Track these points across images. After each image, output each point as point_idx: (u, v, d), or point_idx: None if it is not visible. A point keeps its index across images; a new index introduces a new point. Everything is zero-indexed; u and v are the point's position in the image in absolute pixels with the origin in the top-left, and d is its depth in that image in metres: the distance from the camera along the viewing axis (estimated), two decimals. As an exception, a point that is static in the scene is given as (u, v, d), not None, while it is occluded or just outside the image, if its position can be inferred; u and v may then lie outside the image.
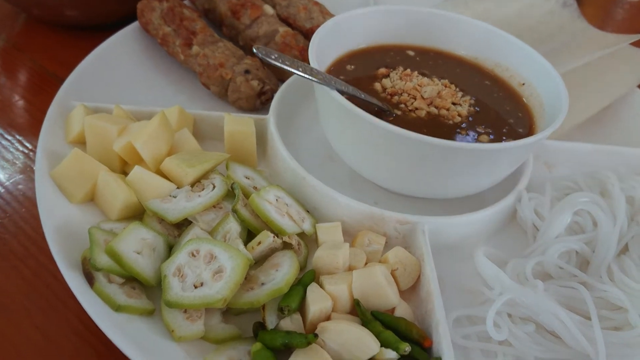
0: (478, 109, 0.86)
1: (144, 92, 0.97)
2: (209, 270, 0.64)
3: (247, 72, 0.94)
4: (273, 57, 0.70)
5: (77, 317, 0.71)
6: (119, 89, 0.95)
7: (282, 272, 0.67)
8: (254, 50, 0.70)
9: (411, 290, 0.74)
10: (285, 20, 1.08)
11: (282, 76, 1.00)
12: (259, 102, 0.96)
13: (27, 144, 0.94)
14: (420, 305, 0.71)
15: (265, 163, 0.89)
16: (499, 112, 0.87)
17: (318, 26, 1.05)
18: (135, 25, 1.05)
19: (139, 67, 1.03)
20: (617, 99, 1.10)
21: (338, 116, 0.78)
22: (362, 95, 0.80)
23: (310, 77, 0.72)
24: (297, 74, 0.72)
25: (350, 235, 0.78)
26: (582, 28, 1.19)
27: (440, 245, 0.78)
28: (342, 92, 0.77)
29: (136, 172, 0.75)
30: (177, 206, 0.73)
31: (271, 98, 0.95)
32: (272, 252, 0.72)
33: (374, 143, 0.75)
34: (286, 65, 0.71)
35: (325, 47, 0.87)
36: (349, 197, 0.79)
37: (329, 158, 0.92)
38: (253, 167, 0.85)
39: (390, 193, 0.87)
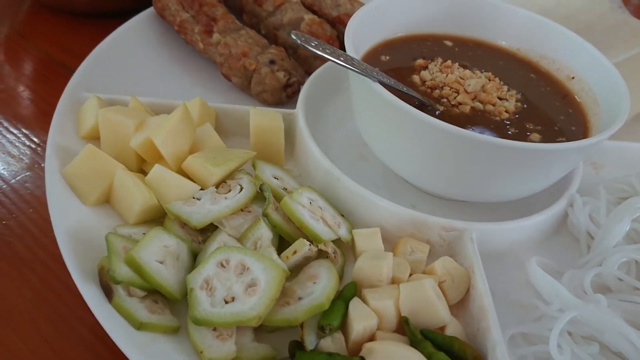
0: (525, 105, 0.79)
1: (160, 84, 0.90)
2: (241, 283, 0.58)
3: (272, 62, 0.87)
4: (313, 44, 0.62)
5: (90, 332, 0.64)
6: (133, 80, 0.88)
7: (321, 285, 0.60)
8: (292, 36, 0.62)
9: (459, 305, 0.67)
10: (310, 8, 1.01)
11: (309, 68, 0.93)
12: (285, 95, 0.89)
13: (35, 139, 0.87)
14: (471, 322, 0.64)
15: (293, 162, 0.82)
16: (548, 108, 0.80)
17: (345, 14, 0.98)
18: (150, 11, 0.98)
19: (154, 56, 0.96)
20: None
21: (378, 110, 0.70)
22: (404, 89, 0.73)
23: (351, 68, 0.65)
24: (338, 64, 0.65)
25: (389, 243, 0.72)
26: (623, 19, 1.12)
27: (487, 253, 0.71)
28: (382, 85, 0.70)
29: (156, 171, 0.68)
30: (202, 209, 0.66)
31: (298, 91, 0.88)
32: (306, 261, 0.65)
33: (417, 139, 0.68)
34: (327, 53, 0.64)
35: (359, 35, 0.80)
36: (383, 197, 0.72)
37: (361, 157, 0.85)
38: (280, 166, 0.78)
39: (428, 196, 0.80)
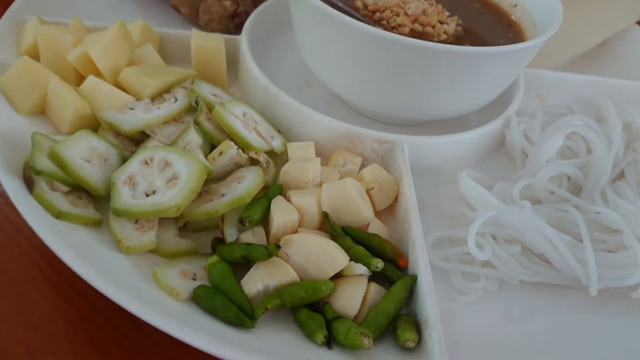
0: (466, 29, 0.80)
1: (107, 14, 0.90)
2: (162, 177, 0.58)
3: (219, -9, 0.87)
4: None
5: (25, 239, 0.65)
6: (79, 8, 0.88)
7: (245, 184, 0.61)
8: None
9: (388, 212, 0.68)
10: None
11: (261, 2, 0.93)
12: (233, 25, 0.89)
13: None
14: (397, 226, 0.65)
15: (236, 86, 0.83)
16: (488, 32, 0.81)
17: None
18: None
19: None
20: (615, 35, 1.04)
21: (312, 23, 0.71)
22: (340, 4, 0.73)
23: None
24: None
25: (325, 158, 0.72)
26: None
27: (422, 167, 0.73)
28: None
29: (90, 81, 0.68)
30: (134, 117, 0.66)
31: (245, 21, 0.88)
32: (237, 167, 0.66)
33: (350, 48, 0.69)
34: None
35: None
36: None
37: (306, 83, 0.86)
38: (223, 89, 0.79)
39: (370, 120, 0.81)
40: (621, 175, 0.73)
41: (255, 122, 0.71)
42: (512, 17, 0.84)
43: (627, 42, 1.04)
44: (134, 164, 0.60)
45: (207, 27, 0.89)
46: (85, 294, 0.60)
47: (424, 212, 0.70)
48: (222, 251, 0.57)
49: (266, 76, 0.79)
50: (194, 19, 0.90)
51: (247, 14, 0.89)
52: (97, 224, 0.59)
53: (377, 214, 0.67)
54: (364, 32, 0.65)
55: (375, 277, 0.59)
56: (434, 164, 0.74)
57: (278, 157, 0.71)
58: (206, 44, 0.77)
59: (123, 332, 0.57)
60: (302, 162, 0.64)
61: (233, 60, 0.83)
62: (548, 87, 0.90)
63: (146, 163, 0.60)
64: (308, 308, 0.55)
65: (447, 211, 0.70)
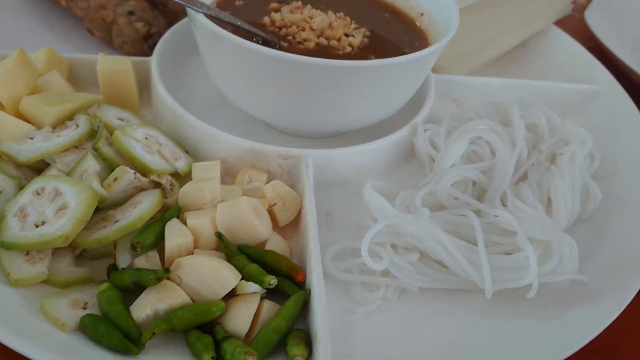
0: (373, 39, 0.81)
1: (26, 42, 0.89)
2: (52, 207, 0.58)
3: (130, 13, 0.87)
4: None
5: None
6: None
7: (139, 209, 0.61)
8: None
9: (292, 227, 0.69)
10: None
11: (173, 19, 0.93)
12: (147, 46, 0.89)
13: None
14: (300, 240, 0.66)
15: (149, 109, 0.83)
16: (395, 42, 0.82)
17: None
18: (16, -29, 0.97)
19: (23, 16, 0.95)
20: (534, 36, 1.06)
21: (212, 45, 0.72)
22: (239, 24, 0.74)
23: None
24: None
25: (233, 175, 0.73)
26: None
27: (331, 179, 0.73)
28: (214, 19, 0.71)
29: (-13, 112, 0.68)
30: (32, 147, 0.66)
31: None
32: (138, 191, 0.66)
33: (250, 70, 0.69)
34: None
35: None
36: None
37: (222, 102, 0.86)
38: (135, 112, 0.79)
39: (284, 134, 0.81)
40: (525, 177, 0.74)
41: (160, 144, 0.71)
42: (420, 25, 0.86)
43: (547, 42, 1.06)
44: (26, 195, 0.60)
45: (122, 50, 0.89)
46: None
47: (332, 224, 0.71)
48: (114, 278, 0.57)
49: (181, 96, 0.80)
50: (109, 42, 0.90)
51: (161, 35, 0.89)
52: (-13, 259, 0.58)
53: (282, 228, 0.68)
54: (257, 53, 0.66)
55: (273, 293, 0.59)
56: (343, 175, 0.75)
57: (186, 178, 0.71)
58: (113, 67, 0.77)
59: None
60: (200, 183, 0.64)
61: (147, 82, 0.83)
62: (464, 92, 0.91)
63: (38, 193, 0.60)
64: (201, 329, 0.55)
65: (354, 222, 0.71)
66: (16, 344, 0.48)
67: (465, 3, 0.99)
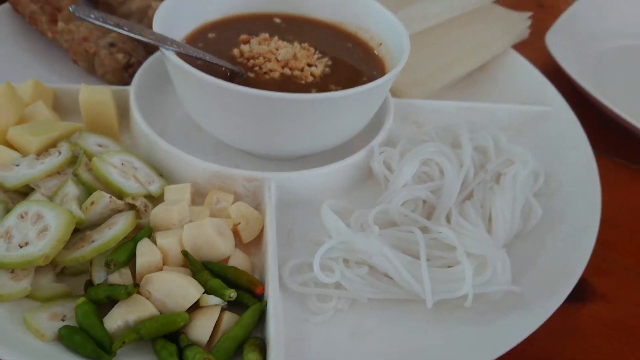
0: (333, 69, 0.88)
1: (15, 73, 0.96)
2: (34, 230, 0.65)
3: (111, 45, 0.94)
4: (92, 16, 0.70)
5: None
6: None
7: (114, 230, 0.68)
8: (70, 9, 0.70)
9: (256, 244, 0.75)
10: (162, -4, 1.08)
11: (152, 49, 1.00)
12: (127, 75, 0.96)
13: None
14: (262, 256, 0.73)
15: (128, 135, 0.90)
16: (355, 71, 0.89)
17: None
18: (6, 6, 1.04)
19: (13, 48, 1.02)
20: (493, 59, 1.13)
21: (181, 79, 0.79)
22: (208, 58, 0.81)
23: (138, 36, 0.73)
24: (123, 33, 0.72)
25: (204, 196, 0.80)
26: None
27: (294, 200, 0.80)
28: (185, 56, 0.78)
29: (-23, 142, 0.75)
30: (18, 173, 0.73)
31: (138, 70, 0.95)
32: (114, 213, 0.73)
33: (214, 102, 0.76)
34: (108, 24, 0.71)
35: (181, 14, 0.88)
36: (211, 162, 0.80)
37: (195, 127, 0.92)
38: (115, 139, 0.86)
39: (250, 157, 0.88)
40: (471, 195, 0.81)
41: (135, 168, 0.78)
42: (378, 54, 0.93)
43: (505, 66, 1.13)
44: (11, 219, 0.66)
45: (104, 78, 0.96)
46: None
47: (293, 241, 0.78)
48: (90, 293, 0.64)
49: (159, 122, 0.87)
50: (92, 72, 0.97)
51: (141, 64, 0.96)
52: (-24, 276, 0.65)
53: (246, 245, 0.75)
54: (221, 87, 0.72)
55: (235, 305, 0.66)
56: (304, 195, 0.81)
57: (160, 199, 0.78)
58: (94, 98, 0.84)
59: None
60: (170, 205, 0.71)
61: (127, 109, 0.90)
62: (423, 115, 0.98)
63: (22, 217, 0.66)
64: (167, 338, 0.62)
65: (313, 239, 0.77)
66: (1, 353, 0.55)
67: (424, 26, 1.06)
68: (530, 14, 1.18)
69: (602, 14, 1.39)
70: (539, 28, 1.25)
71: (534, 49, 1.21)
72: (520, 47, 1.17)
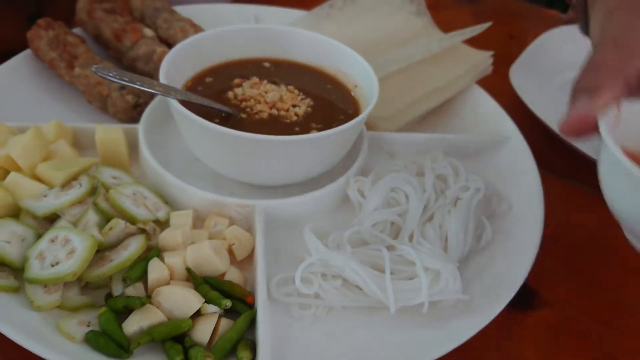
0: (314, 109, 1.02)
1: (38, 112, 1.10)
2: (64, 251, 0.78)
3: (122, 88, 1.08)
4: (111, 74, 0.84)
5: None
6: (12, 110, 1.08)
7: (129, 251, 0.81)
8: (92, 69, 0.84)
9: (249, 261, 0.89)
10: (165, 41, 1.23)
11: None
12: (136, 113, 1.10)
13: None
14: (253, 271, 0.86)
15: (137, 167, 1.04)
16: (333, 110, 1.03)
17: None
18: (27, 52, 1.18)
19: (35, 89, 1.15)
20: (459, 94, 1.27)
21: (181, 122, 0.93)
22: (206, 102, 0.95)
23: (149, 89, 0.87)
24: (137, 88, 0.87)
25: (203, 221, 0.93)
26: (439, 37, 1.35)
27: (280, 222, 0.94)
28: (186, 102, 0.92)
29: (12, 176, 0.88)
30: (47, 203, 0.86)
31: (145, 110, 1.09)
32: (128, 236, 0.86)
33: (211, 141, 0.91)
34: (124, 81, 0.85)
35: (183, 63, 1.02)
36: (206, 190, 0.93)
37: (196, 158, 1.06)
38: (126, 171, 0.99)
39: (243, 185, 1.02)
40: (432, 217, 0.95)
41: (145, 197, 0.92)
42: (354, 95, 1.07)
43: (469, 99, 1.26)
44: (43, 242, 0.80)
45: (115, 117, 1.10)
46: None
47: (279, 258, 0.91)
48: (110, 303, 0.77)
49: (163, 154, 1.00)
50: (105, 110, 1.11)
51: (147, 104, 1.10)
52: (16, 290, 0.78)
53: (240, 262, 0.88)
54: (215, 130, 0.86)
55: (229, 312, 0.79)
56: (290, 219, 0.95)
57: (166, 224, 0.91)
58: (108, 136, 0.98)
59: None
60: (174, 230, 0.84)
61: (136, 145, 1.04)
62: (395, 146, 1.11)
63: (52, 241, 0.80)
64: (173, 340, 0.75)
65: (297, 256, 0.91)
66: (43, 352, 0.69)
67: (396, 67, 1.20)
68: (492, 52, 1.31)
69: (565, 46, 1.52)
70: (510, 57, 1.39)
71: (505, 78, 1.35)
72: (492, 77, 1.30)
